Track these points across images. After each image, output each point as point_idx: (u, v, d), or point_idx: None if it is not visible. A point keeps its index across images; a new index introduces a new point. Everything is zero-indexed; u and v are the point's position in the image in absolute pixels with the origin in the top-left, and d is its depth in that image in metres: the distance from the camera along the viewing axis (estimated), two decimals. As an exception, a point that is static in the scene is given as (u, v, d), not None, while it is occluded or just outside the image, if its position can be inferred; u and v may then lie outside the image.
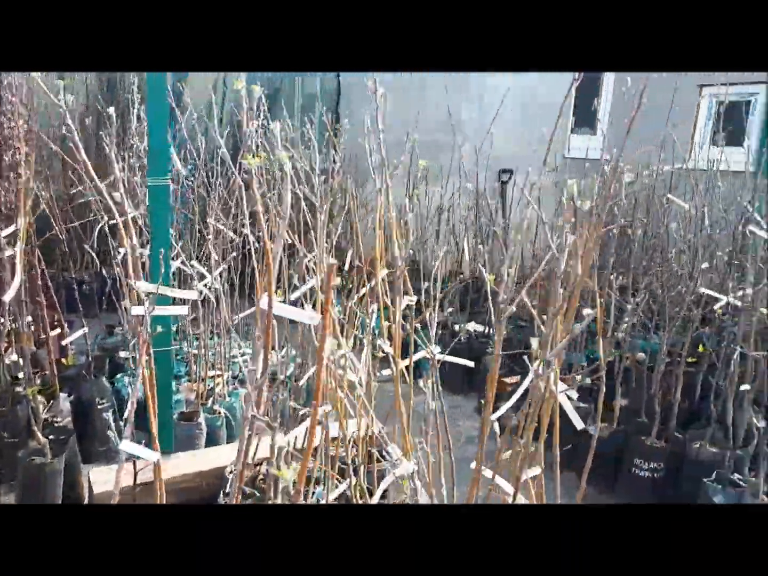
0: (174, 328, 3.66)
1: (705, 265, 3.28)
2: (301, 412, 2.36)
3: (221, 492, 2.25)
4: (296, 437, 2.04)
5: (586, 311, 1.29)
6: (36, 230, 2.99)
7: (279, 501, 1.82)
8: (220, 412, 3.12)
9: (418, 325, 1.89)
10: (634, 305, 2.99)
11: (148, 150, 2.50)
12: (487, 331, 4.48)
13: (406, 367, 1.89)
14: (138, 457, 1.95)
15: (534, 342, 1.38)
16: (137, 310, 1.74)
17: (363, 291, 2.13)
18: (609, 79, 6.76)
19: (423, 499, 1.57)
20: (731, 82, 5.58)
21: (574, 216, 1.44)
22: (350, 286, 2.20)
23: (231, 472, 2.32)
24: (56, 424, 2.81)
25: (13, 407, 2.83)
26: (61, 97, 1.69)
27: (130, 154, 3.19)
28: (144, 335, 1.71)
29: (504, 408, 1.75)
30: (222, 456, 2.65)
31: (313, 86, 8.68)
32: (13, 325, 3.04)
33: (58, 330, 3.45)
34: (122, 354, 3.48)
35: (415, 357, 1.95)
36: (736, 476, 2.62)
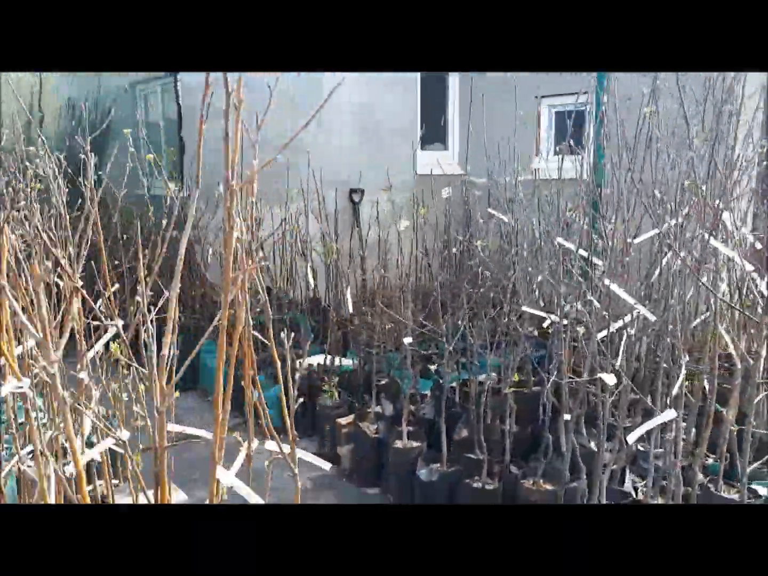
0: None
1: (540, 278, 3.12)
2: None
3: None
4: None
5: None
6: None
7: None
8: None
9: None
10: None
11: None
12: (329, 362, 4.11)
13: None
14: None
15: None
16: None
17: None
18: (455, 92, 6.74)
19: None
20: (566, 92, 5.70)
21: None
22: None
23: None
24: None
25: None
26: None
27: None
28: None
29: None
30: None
31: (156, 113, 8.10)
32: None
33: None
34: None
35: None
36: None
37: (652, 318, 2.13)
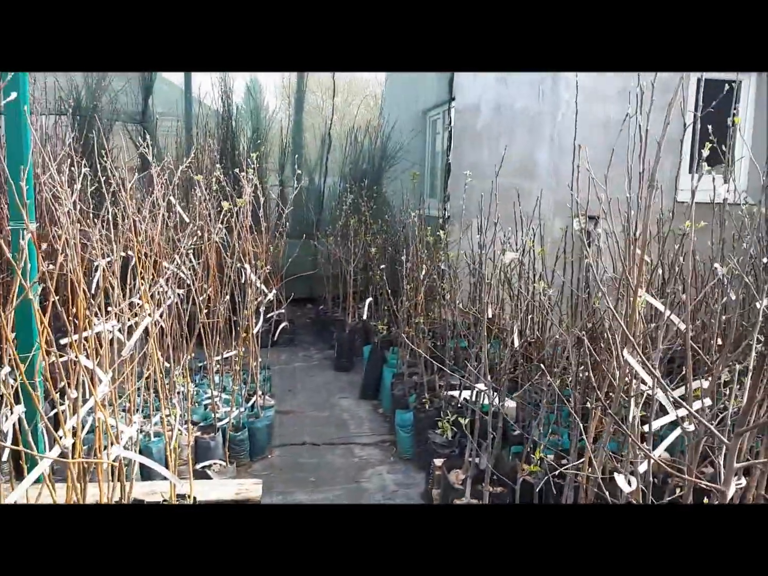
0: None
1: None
2: None
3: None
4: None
5: None
6: None
7: None
8: None
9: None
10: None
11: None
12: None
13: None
14: None
15: None
16: None
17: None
18: (747, 101, 5.44)
19: None
20: None
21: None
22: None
23: None
24: None
25: None
26: None
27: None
28: None
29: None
30: None
31: (441, 138, 8.56)
32: None
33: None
34: None
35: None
36: None
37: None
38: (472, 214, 4.70)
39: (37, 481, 2.01)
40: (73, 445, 2.05)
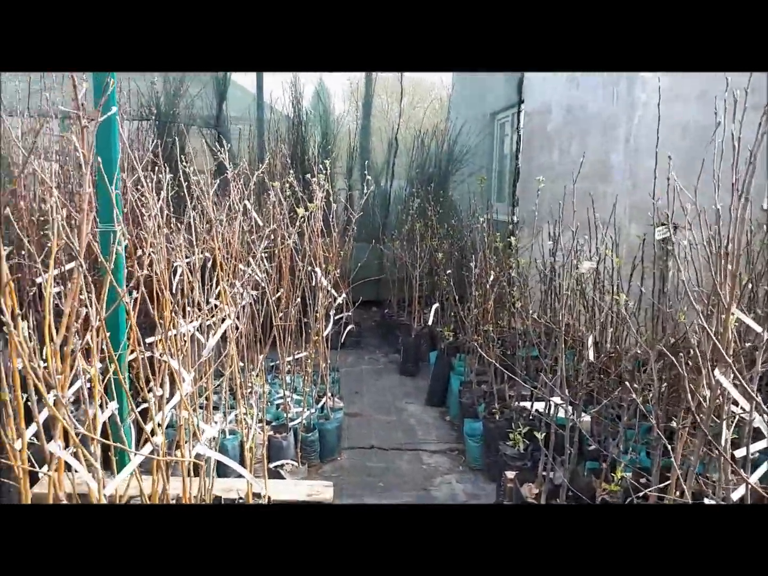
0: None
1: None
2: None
3: None
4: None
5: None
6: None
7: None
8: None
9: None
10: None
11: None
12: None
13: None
14: None
15: None
16: None
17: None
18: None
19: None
20: None
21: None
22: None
23: None
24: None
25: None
26: None
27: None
28: None
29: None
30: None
31: (510, 141, 8.44)
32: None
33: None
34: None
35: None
36: None
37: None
38: (542, 218, 4.61)
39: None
40: (160, 441, 2.15)
